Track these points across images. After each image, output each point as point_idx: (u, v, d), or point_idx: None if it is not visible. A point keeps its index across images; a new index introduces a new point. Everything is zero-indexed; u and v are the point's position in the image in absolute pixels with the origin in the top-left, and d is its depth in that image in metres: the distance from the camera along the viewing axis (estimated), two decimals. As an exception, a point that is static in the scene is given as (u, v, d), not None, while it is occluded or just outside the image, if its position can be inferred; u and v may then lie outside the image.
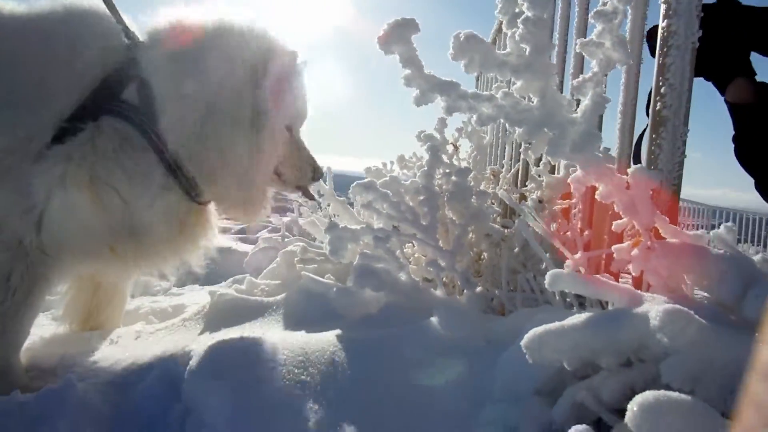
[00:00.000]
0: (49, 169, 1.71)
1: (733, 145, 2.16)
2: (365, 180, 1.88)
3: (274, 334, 1.68)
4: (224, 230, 5.22)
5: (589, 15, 1.10)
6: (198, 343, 1.68)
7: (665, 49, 1.41)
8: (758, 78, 2.09)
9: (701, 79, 2.03)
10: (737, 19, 1.98)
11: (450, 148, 2.69)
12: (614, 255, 1.15)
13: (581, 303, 1.47)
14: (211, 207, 2.10)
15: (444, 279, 1.84)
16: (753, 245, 11.75)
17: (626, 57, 1.11)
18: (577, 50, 1.15)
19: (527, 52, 1.02)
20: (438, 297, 1.74)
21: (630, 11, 1.57)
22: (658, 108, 1.42)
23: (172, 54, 1.82)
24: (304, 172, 2.11)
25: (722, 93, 2.19)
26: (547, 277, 1.08)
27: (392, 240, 1.78)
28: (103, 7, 1.86)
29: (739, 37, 1.96)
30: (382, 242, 1.75)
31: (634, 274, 1.11)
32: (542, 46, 1.02)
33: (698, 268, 1.03)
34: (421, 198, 1.91)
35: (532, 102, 1.06)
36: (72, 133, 1.73)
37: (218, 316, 1.98)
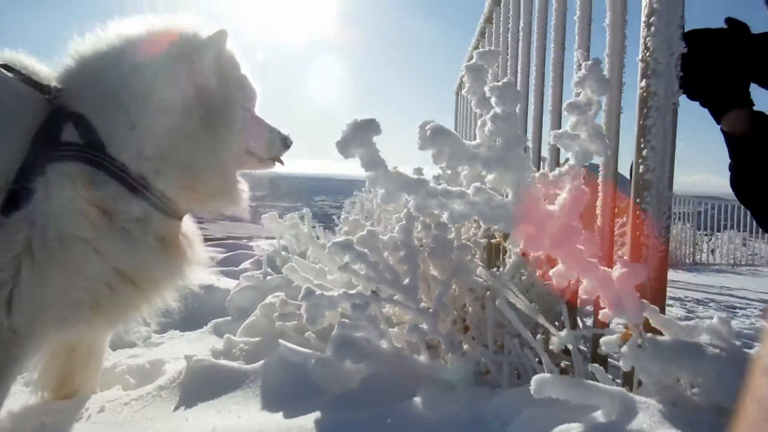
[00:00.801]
0: (12, 239, 1.62)
1: (729, 174, 2.10)
2: (341, 239, 1.80)
3: (249, 415, 1.60)
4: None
5: (564, 105, 1.03)
6: (170, 429, 1.60)
7: (645, 111, 1.35)
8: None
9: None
10: (745, 49, 1.91)
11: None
12: (602, 347, 1.08)
13: (564, 371, 1.40)
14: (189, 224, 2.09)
15: (427, 341, 1.76)
16: (737, 231, 11.94)
17: (604, 148, 1.04)
18: (551, 142, 1.08)
19: (498, 147, 0.95)
20: (422, 364, 1.67)
21: (606, 65, 1.51)
22: (641, 171, 1.36)
23: (98, 77, 1.78)
24: (274, 144, 2.14)
25: (717, 121, 2.13)
26: (533, 382, 1.01)
27: (372, 305, 1.70)
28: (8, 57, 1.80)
29: (744, 67, 1.89)
30: (361, 309, 1.68)
31: (624, 369, 1.04)
32: (514, 140, 0.95)
33: (693, 368, 0.97)
34: (401, 254, 1.83)
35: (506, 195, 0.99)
36: (24, 195, 1.64)
37: (194, 387, 1.89)
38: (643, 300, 1.05)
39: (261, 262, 3.66)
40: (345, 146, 0.97)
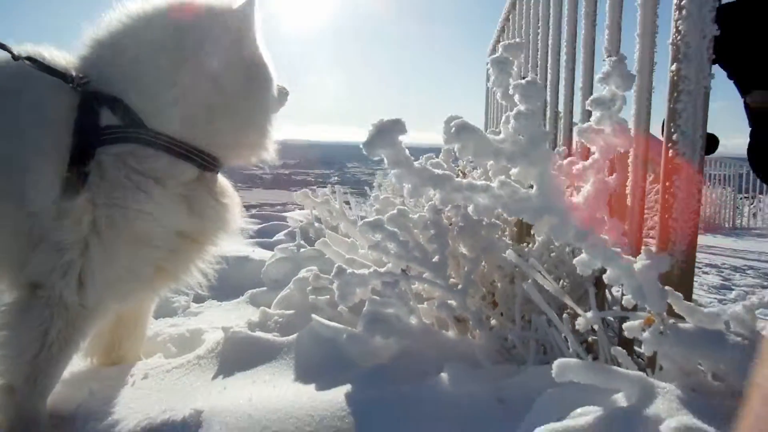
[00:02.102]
0: (78, 221, 1.71)
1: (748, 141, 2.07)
2: (372, 219, 1.84)
3: (282, 387, 1.67)
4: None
5: (587, 103, 1.03)
6: (209, 397, 1.69)
7: (675, 95, 1.34)
8: None
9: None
10: None
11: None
12: (625, 332, 1.11)
13: (595, 357, 1.43)
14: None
15: (456, 316, 1.81)
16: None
17: (629, 142, 1.05)
18: (577, 135, 1.09)
19: (522, 142, 0.96)
20: (450, 339, 1.72)
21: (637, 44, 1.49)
22: (671, 155, 1.36)
23: (130, 51, 1.83)
24: (282, 96, 2.21)
25: (743, 94, 2.09)
26: (554, 366, 1.04)
27: (401, 283, 1.75)
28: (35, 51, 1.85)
29: None
30: (391, 287, 1.72)
31: (646, 354, 1.07)
32: (537, 137, 0.96)
33: (714, 355, 0.99)
34: (431, 233, 1.86)
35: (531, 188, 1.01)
36: (81, 180, 1.72)
37: (231, 357, 1.98)
38: (667, 287, 1.07)
39: (295, 234, 3.72)
40: (371, 147, 1.00)
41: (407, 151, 1.01)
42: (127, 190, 1.74)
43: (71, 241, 1.71)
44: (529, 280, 1.46)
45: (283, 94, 2.24)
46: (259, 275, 3.57)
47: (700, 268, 5.38)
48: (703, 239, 8.57)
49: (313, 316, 1.90)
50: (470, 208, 1.03)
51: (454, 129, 0.97)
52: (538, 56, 2.66)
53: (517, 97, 0.95)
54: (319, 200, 2.86)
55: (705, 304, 3.65)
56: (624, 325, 1.10)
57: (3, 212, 1.75)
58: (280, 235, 4.89)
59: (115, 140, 1.75)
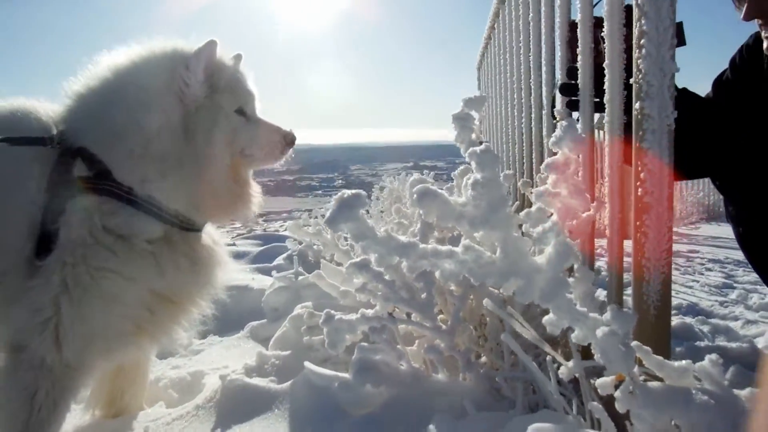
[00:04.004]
0: (49, 281, 1.72)
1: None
2: (358, 260, 1.84)
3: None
4: (238, 256, 5.27)
5: (542, 166, 1.04)
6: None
7: (641, 133, 1.34)
8: None
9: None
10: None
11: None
12: (598, 390, 1.11)
13: (581, 412, 1.43)
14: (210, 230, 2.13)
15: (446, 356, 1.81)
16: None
17: (586, 203, 1.06)
18: (534, 200, 1.10)
19: (483, 207, 0.97)
20: (440, 383, 1.72)
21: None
22: (640, 194, 1.36)
23: (93, 111, 1.86)
24: (274, 145, 2.11)
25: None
26: (530, 430, 1.05)
27: (389, 327, 1.76)
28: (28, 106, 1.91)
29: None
30: (378, 332, 1.73)
31: (620, 411, 1.07)
32: (496, 203, 0.97)
33: (684, 417, 0.99)
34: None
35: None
36: (53, 237, 1.74)
37: (227, 407, 2.01)
38: (635, 343, 1.08)
39: (294, 258, 3.74)
40: (334, 222, 1.01)
41: (369, 222, 1.02)
42: (91, 247, 1.74)
43: (44, 300, 1.71)
44: (506, 331, 1.47)
45: (283, 137, 2.13)
46: (260, 304, 3.60)
47: (703, 264, 5.35)
48: (707, 229, 8.52)
49: (306, 364, 1.91)
50: (437, 274, 1.04)
51: (416, 196, 0.99)
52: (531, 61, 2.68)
53: (473, 165, 0.96)
54: (311, 231, 2.87)
55: (707, 308, 3.64)
56: (596, 383, 1.11)
57: None
58: (279, 259, 4.92)
59: (83, 190, 1.77)
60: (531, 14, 2.48)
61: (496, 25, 3.93)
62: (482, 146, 0.97)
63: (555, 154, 1.17)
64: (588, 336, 1.04)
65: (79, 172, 1.79)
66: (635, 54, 1.35)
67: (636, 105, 1.35)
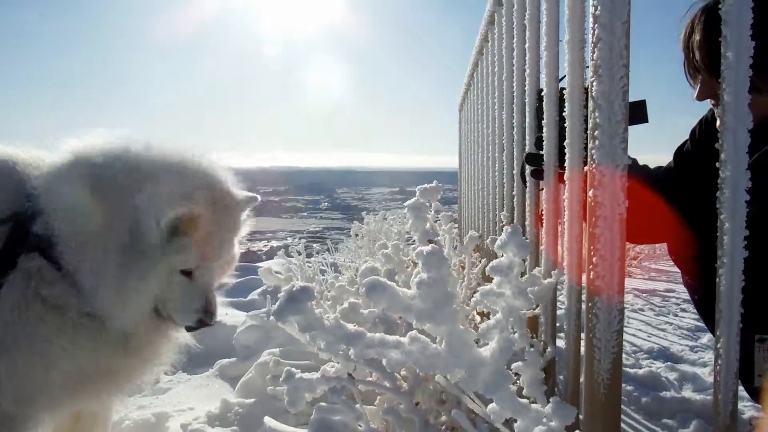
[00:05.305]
0: None
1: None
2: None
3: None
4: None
5: (486, 268, 1.08)
6: None
7: (594, 219, 1.39)
8: None
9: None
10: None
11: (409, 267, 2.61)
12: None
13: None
14: None
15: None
16: None
17: (529, 303, 1.10)
18: (479, 298, 1.14)
19: (429, 303, 1.01)
20: (397, 447, 1.74)
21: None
22: (591, 277, 1.41)
23: (51, 187, 1.79)
24: (185, 317, 1.91)
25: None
26: None
27: (348, 389, 1.78)
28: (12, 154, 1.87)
29: None
30: (338, 393, 1.75)
31: None
32: (442, 300, 1.01)
33: None
34: (381, 330, 1.90)
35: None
36: None
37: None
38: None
39: (267, 297, 3.75)
40: (281, 315, 1.03)
41: (317, 312, 1.05)
42: (25, 311, 1.72)
43: None
44: (456, 410, 1.49)
45: (203, 322, 1.93)
46: (231, 341, 3.60)
47: (679, 305, 5.40)
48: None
49: (266, 419, 1.92)
50: (384, 362, 1.07)
51: (365, 289, 1.02)
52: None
53: (420, 266, 1.00)
54: (282, 278, 2.89)
55: (677, 354, 3.68)
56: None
57: None
58: (254, 294, 4.91)
59: (33, 248, 1.74)
60: (505, 74, 2.55)
61: (474, 74, 4.02)
62: (429, 247, 1.00)
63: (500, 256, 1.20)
64: (529, 427, 1.07)
65: (38, 229, 1.75)
66: (590, 144, 1.41)
67: (590, 192, 1.40)
